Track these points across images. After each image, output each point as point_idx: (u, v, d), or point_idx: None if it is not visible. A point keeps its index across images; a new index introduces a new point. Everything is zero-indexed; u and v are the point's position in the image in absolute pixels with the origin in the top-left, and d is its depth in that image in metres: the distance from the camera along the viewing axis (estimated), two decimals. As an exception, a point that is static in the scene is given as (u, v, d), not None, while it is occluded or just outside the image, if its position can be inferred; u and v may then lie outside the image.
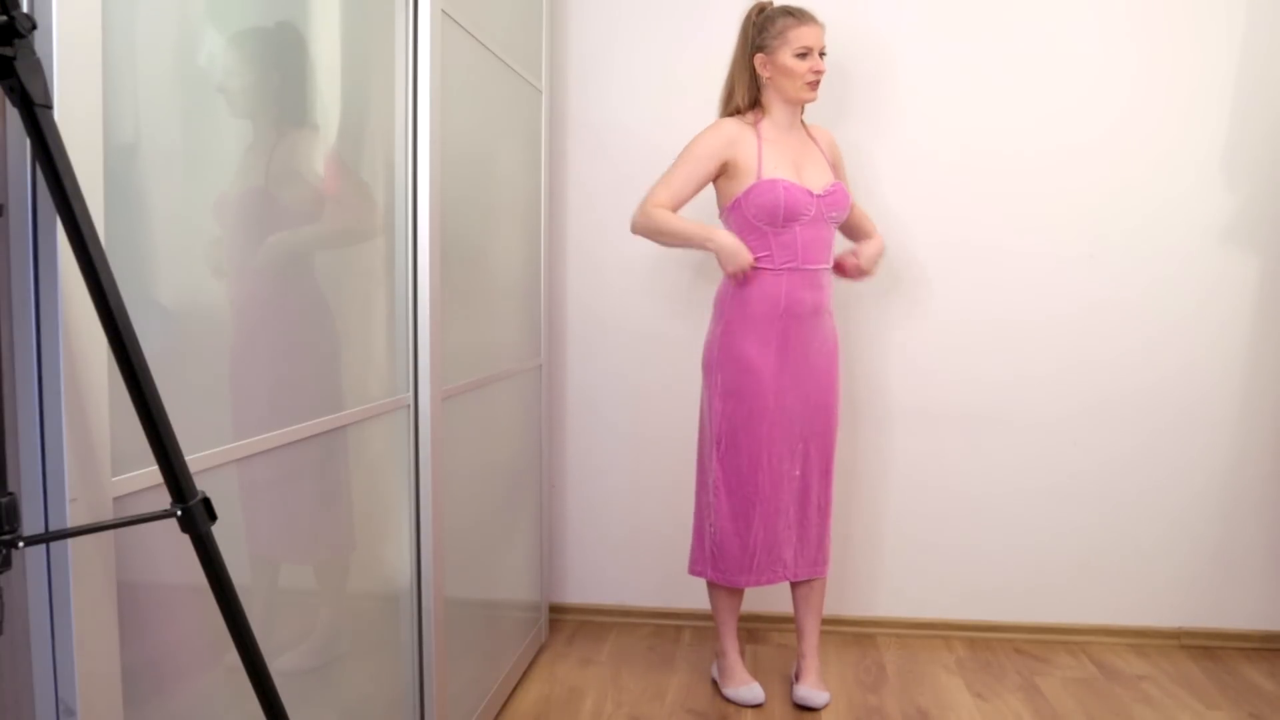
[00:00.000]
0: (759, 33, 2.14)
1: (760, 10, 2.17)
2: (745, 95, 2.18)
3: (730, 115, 2.20)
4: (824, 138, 2.27)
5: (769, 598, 2.73)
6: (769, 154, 2.13)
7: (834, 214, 2.16)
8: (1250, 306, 2.58)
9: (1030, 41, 2.56)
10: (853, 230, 2.37)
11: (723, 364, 2.18)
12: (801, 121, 2.23)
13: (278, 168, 1.27)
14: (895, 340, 2.66)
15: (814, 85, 2.12)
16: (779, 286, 2.13)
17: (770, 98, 2.16)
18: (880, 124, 2.61)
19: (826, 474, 2.25)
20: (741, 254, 2.08)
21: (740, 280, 2.13)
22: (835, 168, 2.26)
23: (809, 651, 2.31)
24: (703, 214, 2.57)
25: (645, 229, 2.14)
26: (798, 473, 2.20)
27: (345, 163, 1.47)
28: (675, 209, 2.14)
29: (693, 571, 2.29)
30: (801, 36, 2.09)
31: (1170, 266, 2.59)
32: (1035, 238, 2.61)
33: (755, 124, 2.17)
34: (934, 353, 2.66)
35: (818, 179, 2.16)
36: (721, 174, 2.16)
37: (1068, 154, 2.58)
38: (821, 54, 2.12)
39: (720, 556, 2.23)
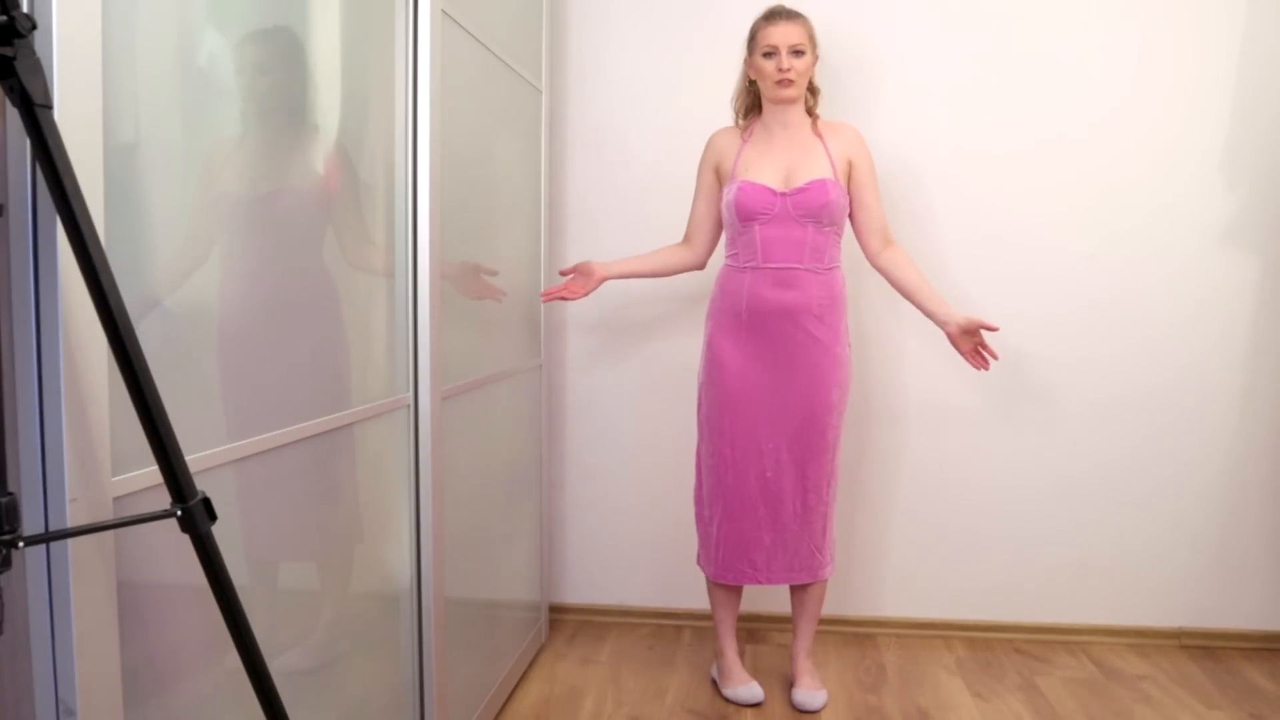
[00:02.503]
0: (747, 38, 2.19)
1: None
2: (741, 100, 2.26)
3: (736, 120, 2.28)
4: (839, 135, 2.18)
5: (769, 598, 2.73)
6: (747, 156, 2.17)
7: (804, 213, 2.10)
8: (1251, 306, 2.58)
9: (1029, 39, 2.56)
10: (860, 231, 2.23)
11: (703, 356, 2.25)
12: (815, 119, 2.22)
13: (278, 167, 1.27)
14: (893, 339, 2.66)
15: (784, 85, 2.10)
16: (741, 284, 2.16)
17: (763, 99, 2.19)
18: (877, 123, 2.60)
19: (805, 479, 2.18)
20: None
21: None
22: (854, 170, 2.18)
23: (799, 654, 2.31)
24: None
25: None
26: (769, 474, 2.17)
27: (345, 160, 1.47)
28: (697, 228, 2.30)
29: (696, 559, 2.36)
30: (768, 36, 2.10)
31: (1171, 266, 2.58)
32: (1035, 237, 2.61)
33: (747, 128, 2.22)
34: (932, 352, 2.65)
35: (802, 178, 2.12)
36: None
37: (1067, 153, 2.58)
38: (797, 53, 2.09)
39: (699, 544, 2.30)
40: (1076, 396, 2.63)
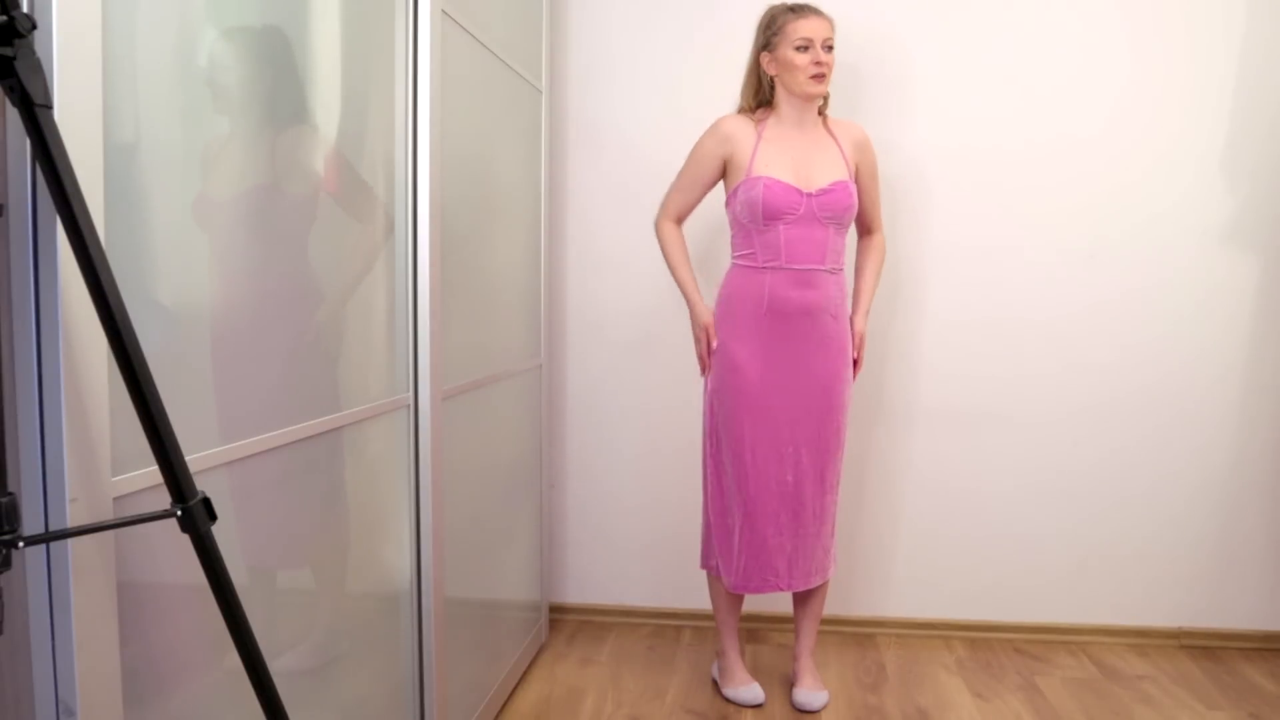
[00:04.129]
0: (764, 30, 2.14)
1: (772, 8, 2.15)
2: (752, 95, 2.19)
3: (742, 112, 2.21)
4: (849, 134, 2.20)
5: (769, 598, 2.73)
6: (765, 152, 2.12)
7: (828, 215, 2.10)
8: (1250, 306, 2.58)
9: (1032, 40, 2.56)
10: (856, 280, 2.30)
11: (713, 362, 2.20)
12: (824, 117, 2.21)
13: (278, 168, 1.27)
14: (894, 338, 2.67)
15: (818, 79, 2.07)
16: (761, 285, 2.12)
17: (780, 96, 2.14)
18: (882, 122, 2.60)
19: (823, 481, 2.18)
20: (701, 322, 2.19)
21: (701, 355, 2.22)
22: (859, 172, 2.21)
23: (802, 653, 2.31)
24: (709, 211, 2.58)
25: (657, 238, 2.27)
26: (790, 479, 2.15)
27: (345, 161, 1.47)
28: (686, 211, 2.25)
29: (700, 564, 2.32)
30: (800, 29, 2.06)
31: (1171, 266, 2.59)
32: (1036, 237, 2.61)
33: (760, 121, 2.16)
34: (933, 351, 2.66)
35: (823, 178, 2.11)
36: (725, 171, 2.20)
37: (1068, 153, 2.58)
38: (829, 47, 2.08)
39: (715, 553, 2.25)
40: (1077, 396, 2.63)
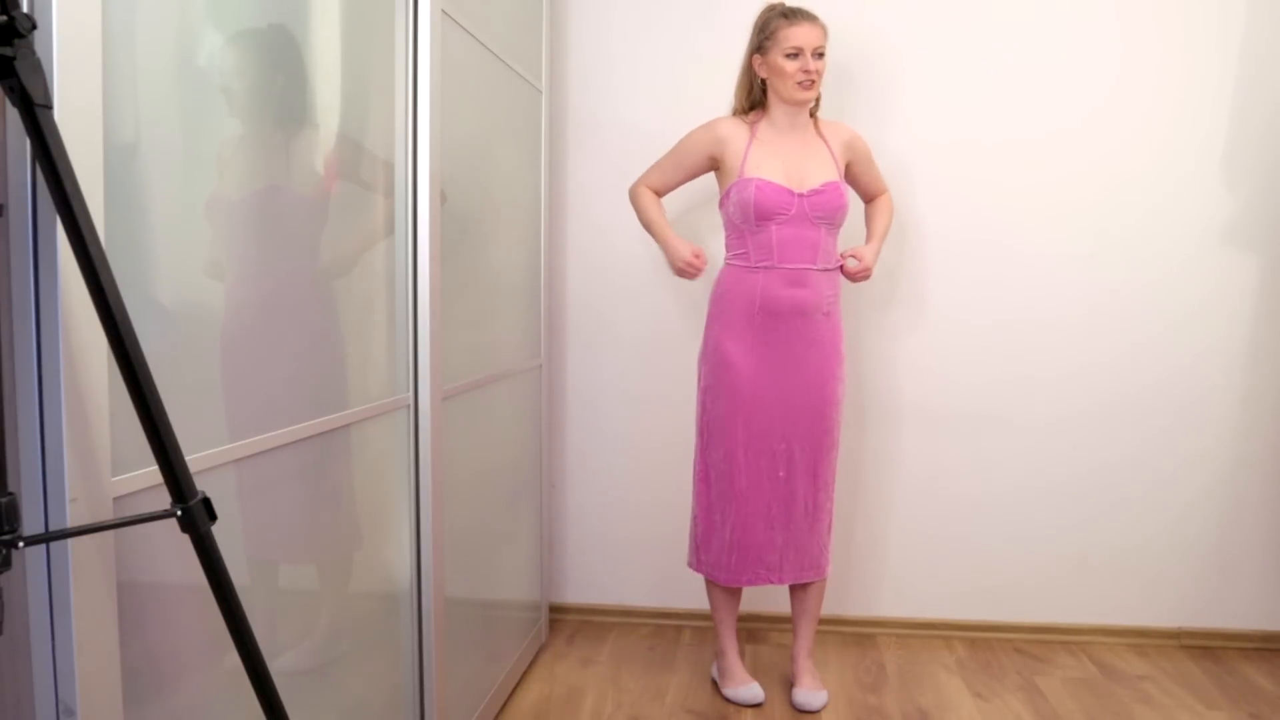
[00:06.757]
0: (758, 33, 2.15)
1: (767, 10, 2.17)
2: (745, 96, 2.21)
3: (736, 114, 2.23)
4: (839, 136, 2.22)
5: (769, 598, 2.73)
6: (756, 153, 2.14)
7: (819, 215, 2.12)
8: (1251, 306, 2.58)
9: (1029, 40, 2.56)
10: (868, 225, 2.35)
11: (705, 359, 2.23)
12: (814, 119, 2.22)
13: (278, 168, 1.27)
14: (894, 339, 2.66)
15: (806, 86, 2.09)
16: (754, 285, 2.14)
17: (771, 98, 2.17)
18: (881, 123, 2.60)
19: (816, 478, 2.20)
20: (678, 257, 2.18)
21: (690, 276, 2.21)
22: (852, 166, 2.24)
23: (800, 654, 2.31)
24: (694, 203, 2.58)
25: (631, 202, 2.32)
26: (782, 474, 2.18)
27: (345, 161, 1.47)
28: (663, 190, 2.29)
29: (688, 563, 2.32)
30: (791, 37, 2.08)
31: (1171, 266, 2.59)
32: (1035, 238, 2.61)
33: (753, 123, 2.18)
34: (933, 352, 2.66)
35: (814, 179, 2.14)
36: (716, 170, 2.22)
37: (1067, 154, 2.58)
38: (819, 55, 2.09)
39: (703, 549, 2.26)
40: (1076, 397, 2.63)
